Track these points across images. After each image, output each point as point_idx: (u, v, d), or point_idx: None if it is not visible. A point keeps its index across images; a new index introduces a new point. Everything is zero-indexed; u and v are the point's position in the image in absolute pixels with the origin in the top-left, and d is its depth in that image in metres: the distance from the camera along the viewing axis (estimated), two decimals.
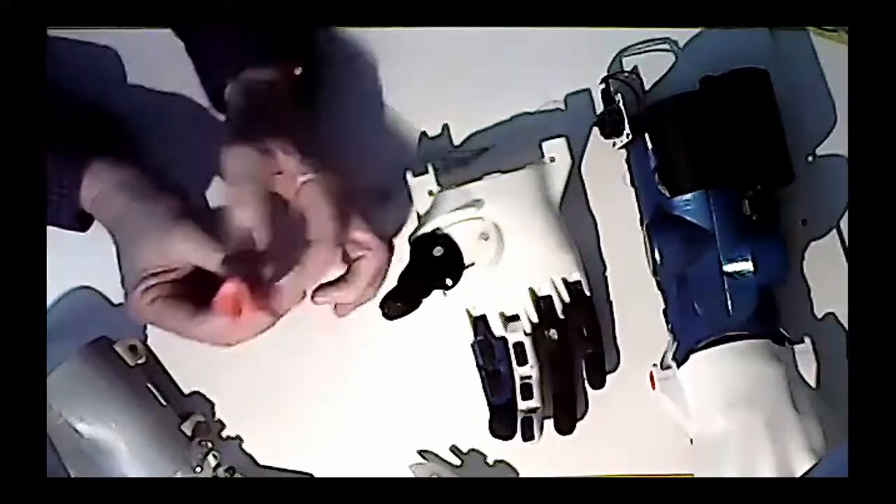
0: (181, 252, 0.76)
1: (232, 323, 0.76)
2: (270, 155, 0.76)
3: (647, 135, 0.81)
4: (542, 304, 0.82)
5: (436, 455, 0.84)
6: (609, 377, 0.82)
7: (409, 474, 0.83)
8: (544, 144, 0.83)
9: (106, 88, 0.86)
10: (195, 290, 0.78)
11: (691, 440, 0.80)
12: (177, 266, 0.77)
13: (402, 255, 0.82)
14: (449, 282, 0.81)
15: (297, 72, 0.81)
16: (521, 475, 0.83)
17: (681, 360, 0.80)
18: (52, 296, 0.85)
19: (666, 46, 0.87)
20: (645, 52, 0.87)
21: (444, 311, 0.82)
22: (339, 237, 0.76)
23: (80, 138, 0.80)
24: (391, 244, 0.83)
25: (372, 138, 0.87)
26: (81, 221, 0.81)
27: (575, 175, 0.84)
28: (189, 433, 0.81)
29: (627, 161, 0.84)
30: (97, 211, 0.79)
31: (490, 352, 0.82)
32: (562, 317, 0.82)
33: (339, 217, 0.76)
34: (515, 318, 0.82)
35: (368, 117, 0.87)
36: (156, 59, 0.87)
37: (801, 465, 0.75)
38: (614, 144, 0.83)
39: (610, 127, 0.83)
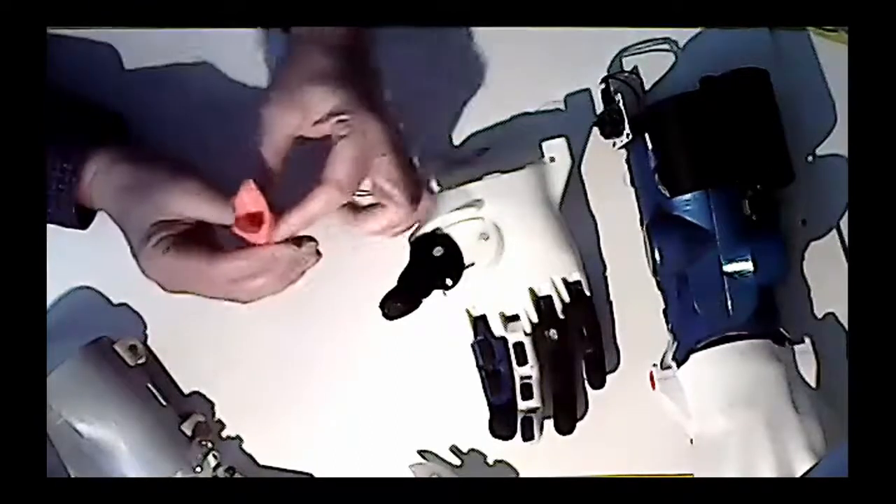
0: (185, 205, 0.77)
1: (250, 252, 0.76)
2: (306, 107, 0.75)
3: (647, 135, 0.81)
4: (542, 304, 0.82)
5: (436, 455, 0.84)
6: (609, 377, 0.82)
7: (409, 474, 0.83)
8: (544, 144, 0.83)
9: (104, 82, 0.86)
10: (204, 238, 0.79)
11: (691, 440, 0.80)
12: (183, 218, 0.78)
13: (402, 255, 0.82)
14: (449, 282, 0.81)
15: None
16: (521, 475, 0.83)
17: (681, 360, 0.80)
18: (52, 296, 0.84)
19: (666, 46, 0.87)
20: (645, 52, 0.87)
21: (444, 312, 0.82)
22: (349, 183, 0.75)
23: (80, 128, 0.80)
24: (417, 205, 0.79)
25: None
26: (82, 218, 0.81)
27: (575, 175, 0.84)
28: (189, 433, 0.81)
29: (627, 161, 0.84)
30: (97, 188, 0.79)
31: (490, 352, 0.82)
32: (562, 317, 0.82)
33: (357, 164, 0.75)
34: (515, 318, 0.82)
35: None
36: (156, 57, 0.87)
37: (801, 465, 0.76)
38: (614, 144, 0.83)
39: (610, 127, 0.83)
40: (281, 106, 0.76)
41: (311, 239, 0.78)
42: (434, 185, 0.83)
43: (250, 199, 0.75)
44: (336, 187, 0.75)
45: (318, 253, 0.78)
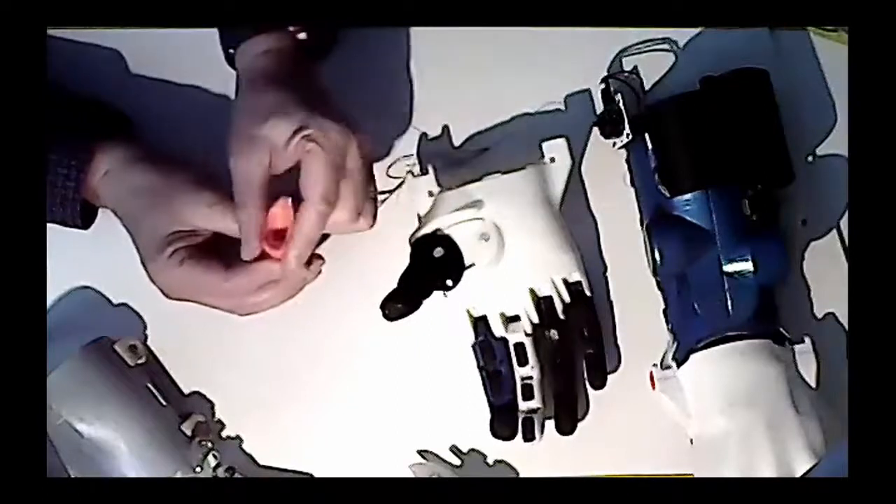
0: (205, 218, 0.77)
1: (262, 265, 0.77)
2: (270, 143, 0.75)
3: (647, 135, 0.81)
4: (543, 304, 0.82)
5: (436, 455, 0.84)
6: (609, 377, 0.82)
7: (409, 474, 0.83)
8: (544, 145, 0.83)
9: (109, 85, 0.86)
10: (219, 250, 0.79)
11: (691, 440, 0.80)
12: (200, 230, 0.78)
13: (402, 257, 0.82)
14: (449, 283, 0.81)
15: (302, 36, 0.80)
16: (521, 475, 0.83)
17: (681, 360, 0.80)
18: (52, 296, 0.84)
19: (666, 46, 0.87)
20: (645, 52, 0.87)
21: (444, 312, 0.82)
22: (332, 191, 0.75)
23: (86, 125, 0.80)
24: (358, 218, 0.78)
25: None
26: (85, 217, 0.81)
27: (575, 175, 0.84)
28: (189, 433, 0.81)
29: (627, 161, 0.84)
30: (108, 186, 0.79)
31: (491, 352, 0.82)
32: (562, 317, 0.82)
33: (331, 170, 0.75)
34: (516, 318, 0.82)
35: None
36: (157, 57, 0.87)
37: (801, 465, 0.76)
38: (614, 144, 0.83)
39: (610, 127, 0.83)
40: (246, 155, 0.75)
41: (319, 257, 0.79)
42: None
43: (283, 215, 0.76)
44: (322, 201, 0.75)
45: (320, 271, 0.80)
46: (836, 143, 0.85)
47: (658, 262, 0.80)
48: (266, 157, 0.75)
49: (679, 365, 0.80)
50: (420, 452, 0.84)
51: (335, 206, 0.76)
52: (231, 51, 0.80)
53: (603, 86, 0.84)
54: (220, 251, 0.79)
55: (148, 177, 0.78)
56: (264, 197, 0.76)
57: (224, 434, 0.84)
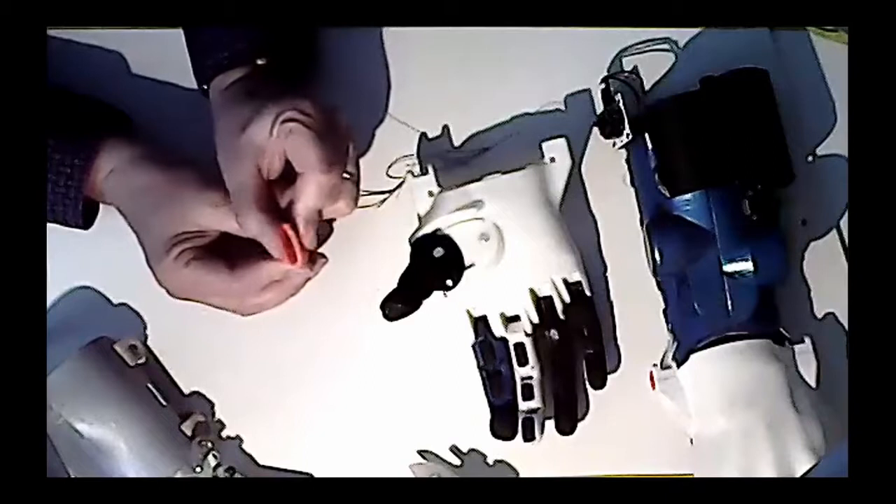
0: (213, 219, 0.78)
1: (265, 265, 0.77)
2: (255, 148, 0.75)
3: (647, 135, 0.81)
4: (543, 304, 0.82)
5: (436, 455, 0.84)
6: (609, 377, 0.82)
7: (409, 474, 0.83)
8: (544, 145, 0.83)
9: (109, 85, 0.86)
10: (223, 250, 0.79)
11: (691, 440, 0.80)
12: (207, 230, 0.79)
13: (403, 257, 0.82)
14: (449, 283, 0.81)
15: (261, 62, 0.80)
16: (521, 475, 0.83)
17: (681, 360, 0.80)
18: (52, 296, 0.85)
19: (666, 46, 0.87)
20: (645, 52, 0.87)
21: (444, 312, 0.82)
22: (327, 159, 0.75)
23: (89, 123, 0.80)
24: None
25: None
26: (86, 217, 0.81)
27: (575, 175, 0.84)
28: (189, 433, 0.81)
29: (627, 161, 0.84)
30: (113, 185, 0.79)
31: (491, 352, 0.82)
32: (562, 317, 0.82)
33: (319, 139, 0.74)
34: (516, 318, 0.82)
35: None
36: (157, 57, 0.87)
37: (801, 465, 0.76)
38: (614, 144, 0.83)
39: (610, 127, 0.83)
40: (234, 167, 0.76)
41: (322, 255, 0.79)
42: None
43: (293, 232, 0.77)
44: (319, 169, 0.74)
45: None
46: (836, 143, 0.85)
47: (658, 262, 0.80)
48: (253, 163, 0.75)
49: (679, 365, 0.80)
50: (420, 452, 0.84)
51: (336, 171, 0.75)
52: (205, 87, 0.81)
53: (603, 86, 0.84)
54: (224, 252, 0.79)
55: (153, 176, 0.79)
56: (263, 201, 0.76)
57: (224, 434, 0.85)
